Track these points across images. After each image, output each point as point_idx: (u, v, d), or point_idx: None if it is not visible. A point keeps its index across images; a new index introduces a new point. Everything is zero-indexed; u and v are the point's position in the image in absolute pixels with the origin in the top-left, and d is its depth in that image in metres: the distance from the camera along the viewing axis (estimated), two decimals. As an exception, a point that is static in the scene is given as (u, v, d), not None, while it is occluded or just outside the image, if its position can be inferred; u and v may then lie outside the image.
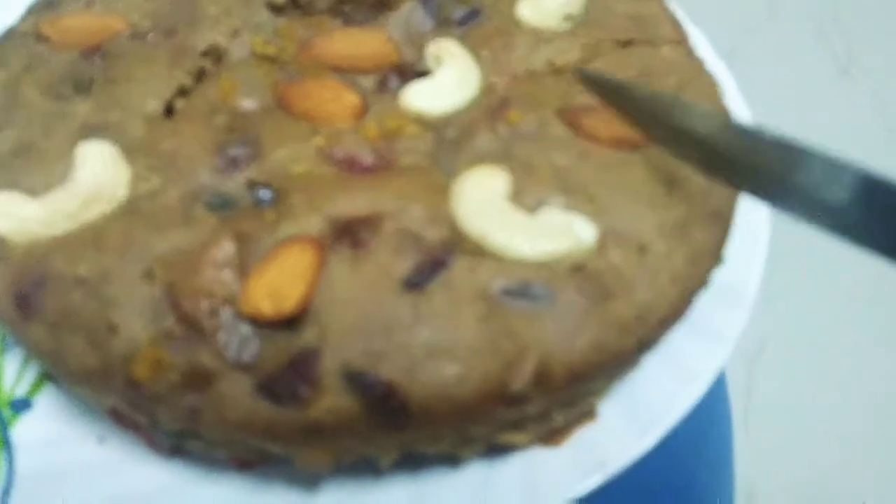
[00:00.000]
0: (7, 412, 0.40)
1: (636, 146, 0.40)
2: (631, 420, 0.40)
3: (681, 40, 0.47)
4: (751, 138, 0.34)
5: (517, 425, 0.38)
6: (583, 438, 0.40)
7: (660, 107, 0.37)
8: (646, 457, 0.39)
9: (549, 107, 0.42)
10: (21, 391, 0.41)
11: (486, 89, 0.44)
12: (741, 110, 0.49)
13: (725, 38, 0.47)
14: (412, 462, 0.39)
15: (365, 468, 0.39)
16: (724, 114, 0.41)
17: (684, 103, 0.37)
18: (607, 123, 0.41)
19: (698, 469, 0.55)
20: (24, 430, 0.40)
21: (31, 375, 0.42)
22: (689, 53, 0.47)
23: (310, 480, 0.39)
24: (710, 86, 0.45)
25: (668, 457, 0.45)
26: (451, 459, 0.39)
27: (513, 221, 0.37)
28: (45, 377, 0.41)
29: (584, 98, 0.42)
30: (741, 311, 0.43)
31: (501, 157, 0.40)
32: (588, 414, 0.40)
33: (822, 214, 0.32)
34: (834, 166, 0.31)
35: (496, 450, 0.39)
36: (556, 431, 0.39)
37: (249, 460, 0.39)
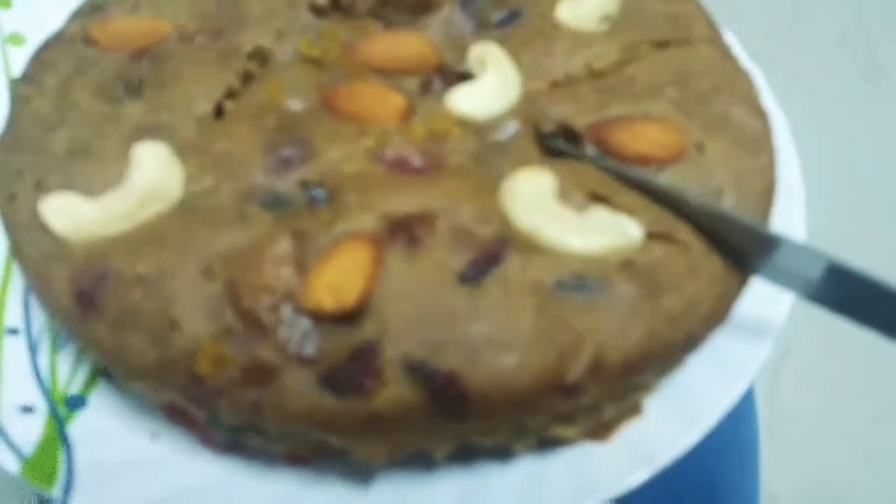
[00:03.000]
0: (63, 410, 0.40)
1: (663, 164, 0.41)
2: (676, 416, 0.41)
3: (716, 39, 0.48)
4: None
5: (569, 418, 0.38)
6: (630, 434, 0.40)
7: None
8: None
9: (581, 121, 0.43)
10: (75, 388, 0.41)
11: (527, 95, 0.44)
12: (774, 110, 0.50)
13: (749, 44, 0.48)
14: (464, 455, 0.39)
15: (416, 462, 0.39)
16: None
17: None
18: (635, 140, 0.42)
19: (725, 470, 0.56)
20: (80, 427, 0.40)
21: (84, 373, 0.42)
22: (725, 53, 0.47)
23: (362, 474, 0.40)
24: (746, 86, 0.46)
25: (695, 457, 0.46)
26: (503, 453, 0.40)
27: (563, 218, 0.38)
28: (98, 374, 0.42)
29: (618, 107, 0.43)
30: (780, 309, 0.44)
31: (545, 160, 0.41)
32: (634, 409, 0.41)
33: (798, 287, 0.39)
34: (808, 253, 0.37)
35: (546, 443, 0.40)
36: (604, 426, 0.40)
37: (304, 455, 0.39)
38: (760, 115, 0.45)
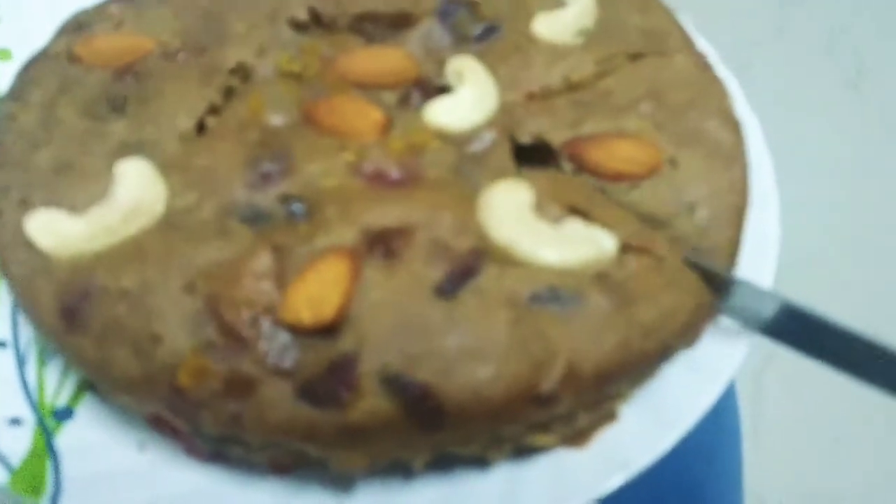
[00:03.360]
0: (51, 421, 0.41)
1: (637, 180, 0.42)
2: (652, 420, 0.41)
3: (691, 50, 0.49)
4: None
5: (545, 427, 0.39)
6: (606, 439, 0.41)
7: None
8: (658, 463, 0.41)
9: (557, 136, 0.44)
10: (62, 400, 0.42)
11: (504, 107, 0.45)
12: (748, 118, 0.50)
13: (735, 53, 0.49)
14: (442, 464, 0.40)
15: (396, 470, 0.40)
16: None
17: None
18: (610, 158, 0.43)
19: (708, 475, 0.57)
20: (67, 439, 0.41)
21: (71, 385, 0.43)
22: (700, 63, 0.48)
23: (344, 482, 0.40)
24: (720, 96, 0.47)
25: (678, 463, 0.47)
26: (480, 461, 0.40)
27: (539, 231, 0.39)
28: (85, 386, 0.43)
29: (594, 123, 0.44)
30: None
31: (521, 173, 0.42)
32: (609, 416, 0.42)
33: (753, 326, 0.41)
34: (762, 294, 0.40)
35: (523, 451, 0.40)
36: (579, 433, 0.41)
37: (286, 464, 0.40)
38: (733, 126, 0.46)
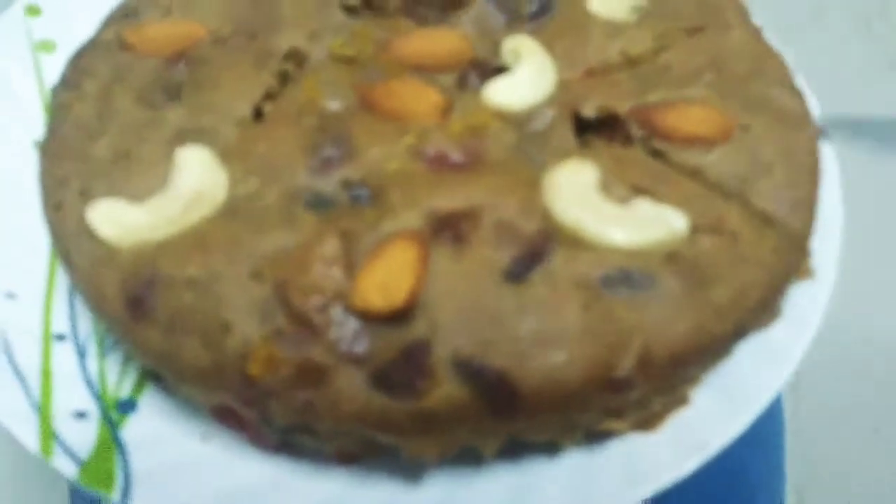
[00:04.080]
0: (115, 414, 0.41)
1: (711, 144, 0.41)
2: (723, 401, 0.41)
3: (747, 24, 0.48)
4: None
5: (618, 412, 0.38)
6: (678, 423, 0.40)
7: None
8: None
9: (622, 105, 0.43)
10: (125, 392, 0.42)
11: (561, 85, 0.44)
12: (807, 93, 0.49)
13: (772, 36, 0.48)
14: (512, 451, 0.40)
15: (466, 459, 0.40)
16: None
17: None
18: (682, 121, 0.42)
19: (751, 461, 0.56)
20: (133, 431, 0.40)
21: (132, 376, 0.43)
22: (757, 36, 0.47)
23: (413, 472, 0.40)
24: (781, 68, 0.46)
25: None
26: (551, 448, 0.40)
27: (606, 212, 0.38)
28: (147, 377, 0.42)
29: (657, 93, 0.43)
30: (822, 293, 0.44)
31: (586, 151, 0.41)
32: (682, 400, 0.41)
33: None
34: None
35: (594, 437, 0.40)
36: (652, 417, 0.40)
37: (353, 454, 0.40)
38: (797, 94, 0.45)
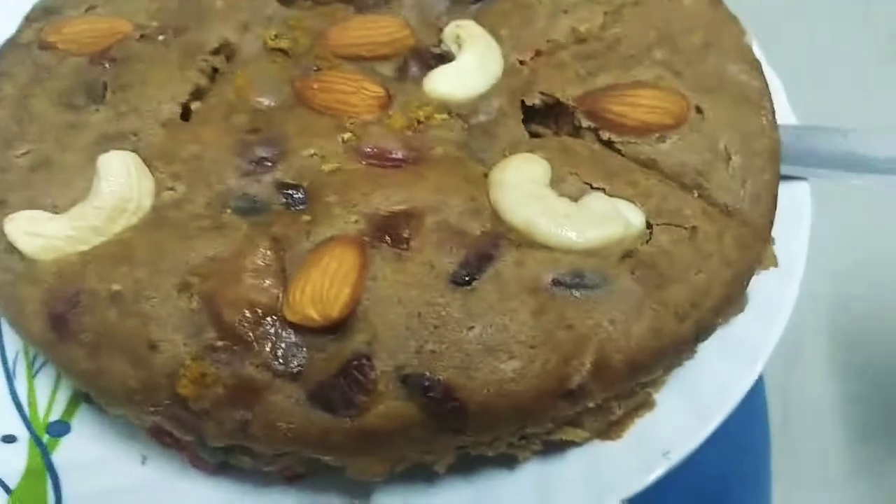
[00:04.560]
0: (46, 437, 0.39)
1: (665, 131, 0.39)
2: (690, 407, 0.39)
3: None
4: None
5: (575, 421, 0.37)
6: (642, 429, 0.39)
7: None
8: None
9: (570, 92, 0.41)
10: (56, 414, 0.40)
11: (509, 69, 0.42)
12: (768, 72, 0.47)
13: (766, 24, 0.46)
14: (467, 465, 0.38)
15: (418, 474, 0.38)
16: None
17: None
18: (632, 109, 0.39)
19: (735, 461, 0.55)
20: (66, 455, 0.38)
21: (64, 397, 0.40)
22: (711, 1, 0.45)
23: (362, 489, 0.38)
24: (737, 36, 0.44)
25: (704, 449, 0.44)
26: (507, 460, 0.38)
27: (558, 209, 0.36)
28: (80, 397, 0.40)
29: (607, 76, 0.41)
30: (791, 288, 0.42)
31: (535, 143, 0.39)
32: (646, 404, 0.39)
33: None
34: None
35: (553, 447, 0.38)
36: (614, 424, 0.38)
37: (299, 472, 0.38)
38: (755, 67, 0.43)
